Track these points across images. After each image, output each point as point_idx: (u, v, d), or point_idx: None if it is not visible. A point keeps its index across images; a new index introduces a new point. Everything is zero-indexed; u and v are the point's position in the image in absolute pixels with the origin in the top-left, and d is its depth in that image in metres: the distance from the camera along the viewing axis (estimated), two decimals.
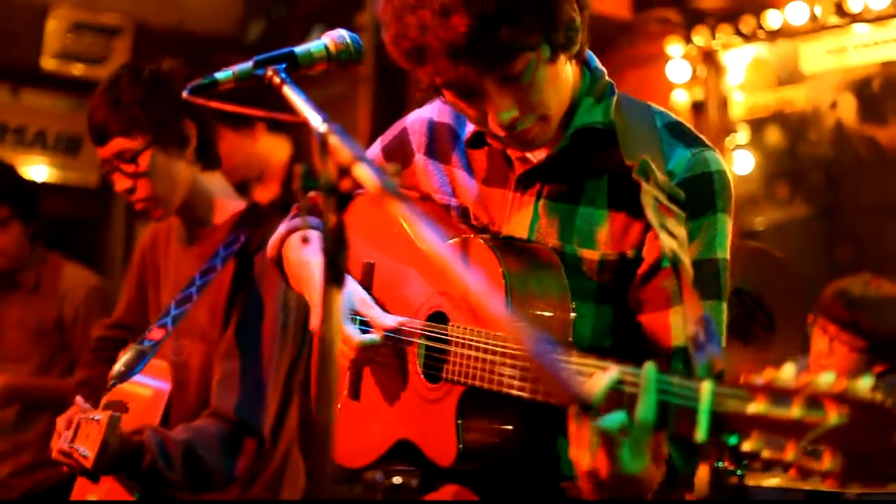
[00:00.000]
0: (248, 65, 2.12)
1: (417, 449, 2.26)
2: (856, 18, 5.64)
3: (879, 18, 5.53)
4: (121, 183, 3.22)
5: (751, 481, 3.55)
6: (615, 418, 1.75)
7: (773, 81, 6.22)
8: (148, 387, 3.27)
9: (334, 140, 1.66)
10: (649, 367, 1.74)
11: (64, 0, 7.90)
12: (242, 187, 4.82)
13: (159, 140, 3.19)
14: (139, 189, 3.22)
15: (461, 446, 2.12)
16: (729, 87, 6.39)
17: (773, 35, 5.96)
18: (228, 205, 3.39)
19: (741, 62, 6.34)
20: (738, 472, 3.42)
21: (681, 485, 2.14)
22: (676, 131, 2.24)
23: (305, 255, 2.46)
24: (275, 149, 4.80)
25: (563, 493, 2.21)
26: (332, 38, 2.19)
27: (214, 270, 3.22)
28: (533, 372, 1.96)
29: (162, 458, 2.96)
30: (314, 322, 2.34)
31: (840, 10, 5.68)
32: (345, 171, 1.61)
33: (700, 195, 2.17)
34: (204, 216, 3.36)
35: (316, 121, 1.78)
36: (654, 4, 6.45)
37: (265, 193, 4.81)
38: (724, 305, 2.17)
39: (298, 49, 2.15)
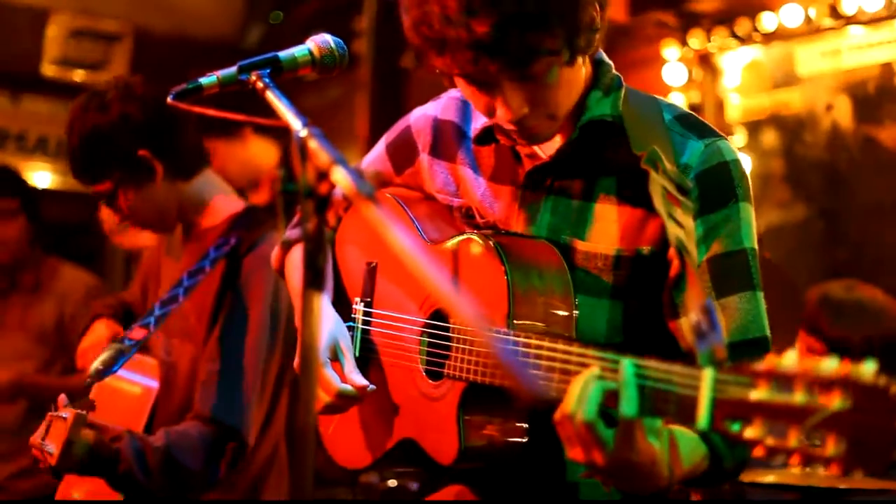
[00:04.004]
0: (233, 70, 2.13)
1: (420, 448, 2.26)
2: (850, 21, 5.64)
3: (874, 20, 5.53)
4: (107, 220, 3.39)
5: (746, 478, 3.56)
6: (591, 412, 1.78)
7: (769, 84, 6.22)
8: (136, 384, 3.28)
9: (313, 144, 1.68)
10: (626, 363, 1.76)
11: (64, 6, 7.92)
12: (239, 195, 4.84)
13: (125, 179, 3.23)
14: (130, 222, 3.34)
15: (463, 443, 2.13)
16: (725, 90, 6.39)
17: (769, 37, 5.96)
18: (225, 206, 3.40)
19: (737, 65, 6.34)
20: None
21: (729, 475, 2.14)
22: (687, 123, 2.24)
23: (296, 263, 2.48)
24: (264, 154, 4.82)
25: (567, 492, 2.22)
26: (316, 43, 2.21)
27: (203, 272, 3.23)
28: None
29: (138, 466, 2.97)
30: (297, 360, 2.35)
31: (835, 13, 5.68)
32: (324, 175, 1.63)
33: (719, 186, 2.17)
34: (198, 220, 3.38)
35: (296, 125, 1.79)
36: (650, 7, 6.45)
37: (257, 199, 4.83)
38: (761, 295, 2.16)
39: (282, 54, 2.17)
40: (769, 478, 3.61)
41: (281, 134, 4.90)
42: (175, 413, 3.25)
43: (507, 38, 1.95)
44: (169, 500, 3.14)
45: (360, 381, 2.30)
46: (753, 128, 6.29)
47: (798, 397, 1.51)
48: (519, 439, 2.15)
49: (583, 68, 2.20)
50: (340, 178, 1.59)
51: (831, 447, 1.47)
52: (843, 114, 5.98)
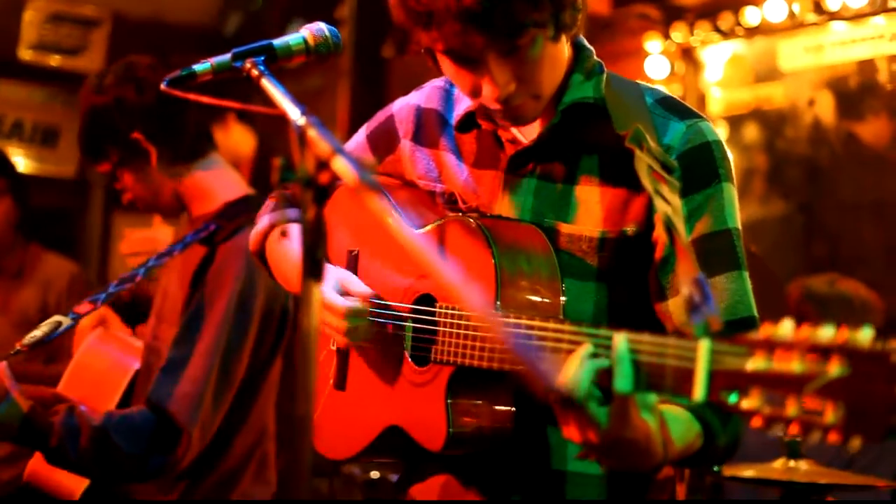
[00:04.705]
0: (226, 57, 2.12)
1: (406, 435, 2.24)
2: (834, 16, 5.66)
3: (857, 16, 5.54)
4: (123, 197, 3.38)
5: (727, 472, 3.57)
6: (585, 387, 1.77)
7: (751, 78, 6.24)
8: (116, 362, 3.27)
9: (313, 133, 1.66)
10: (620, 338, 1.76)
11: None
12: None
13: (123, 161, 3.28)
14: (138, 203, 3.36)
15: (451, 429, 2.12)
16: (707, 84, 6.41)
17: (752, 32, 5.98)
18: (224, 192, 3.37)
19: (719, 59, 6.35)
20: (715, 468, 3.45)
21: (724, 453, 2.14)
22: (667, 105, 2.24)
23: (292, 252, 2.46)
24: (243, 141, 4.80)
25: (553, 480, 2.22)
26: (310, 31, 2.19)
27: (170, 254, 3.24)
28: (511, 363, 1.96)
29: (69, 442, 2.95)
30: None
31: (818, 8, 5.69)
32: (323, 164, 1.61)
33: (701, 166, 2.17)
34: (195, 207, 3.37)
35: (294, 113, 1.78)
36: (633, 0, 6.46)
37: None
38: (746, 275, 2.16)
39: (277, 42, 2.16)
40: (749, 472, 3.63)
41: (256, 122, 4.91)
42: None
43: (494, 9, 1.96)
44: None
45: (365, 289, 2.29)
46: (735, 122, 6.30)
47: (796, 365, 1.50)
48: (507, 423, 2.15)
49: (565, 49, 2.21)
50: (342, 167, 1.58)
51: (830, 414, 1.46)
52: (826, 109, 6.00)
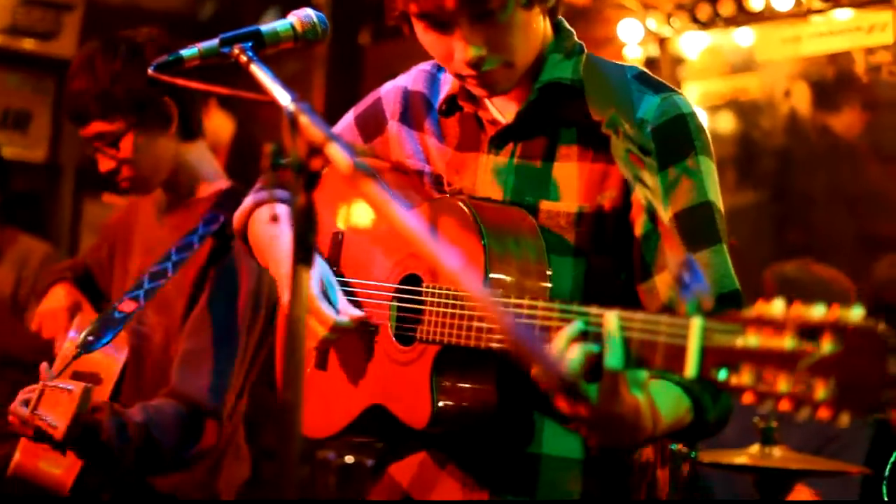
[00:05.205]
0: (214, 42, 2.12)
1: (389, 414, 2.25)
2: (811, 9, 5.67)
3: (834, 8, 5.57)
4: (104, 164, 3.21)
5: (705, 458, 3.61)
6: (576, 367, 1.79)
7: (728, 69, 6.26)
8: (103, 354, 3.24)
9: (304, 119, 1.66)
10: (611, 315, 1.77)
11: None
12: None
13: (140, 122, 3.15)
14: (123, 171, 3.20)
15: (436, 407, 2.13)
16: (683, 74, 6.42)
17: (729, 22, 5.99)
18: (213, 180, 3.36)
19: (696, 49, 6.37)
20: (692, 454, 3.48)
21: (714, 427, 2.15)
22: (643, 79, 2.26)
23: (274, 231, 2.46)
24: (223, 126, 4.79)
25: (530, 464, 2.23)
26: (298, 17, 2.19)
27: (191, 248, 3.18)
28: (513, 350, 1.97)
29: (119, 439, 2.93)
30: (285, 297, 2.34)
31: (796, 0, 5.71)
32: (315, 150, 1.61)
33: (677, 138, 2.19)
34: (186, 191, 3.33)
35: (285, 99, 1.78)
36: None
37: None
38: (726, 248, 2.18)
39: (264, 27, 2.15)
40: (724, 458, 3.66)
41: (237, 107, 4.90)
42: (149, 385, 3.22)
43: None
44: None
45: (355, 311, 2.31)
46: (712, 112, 6.33)
47: (788, 342, 1.52)
48: (491, 403, 2.17)
49: (541, 22, 2.23)
50: (336, 154, 1.58)
51: (821, 390, 1.48)
52: (802, 100, 6.03)
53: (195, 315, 3.16)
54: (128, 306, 3.13)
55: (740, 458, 3.62)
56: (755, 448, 3.64)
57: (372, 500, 2.46)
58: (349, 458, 4.65)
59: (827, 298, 4.15)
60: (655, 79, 2.29)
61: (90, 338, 3.08)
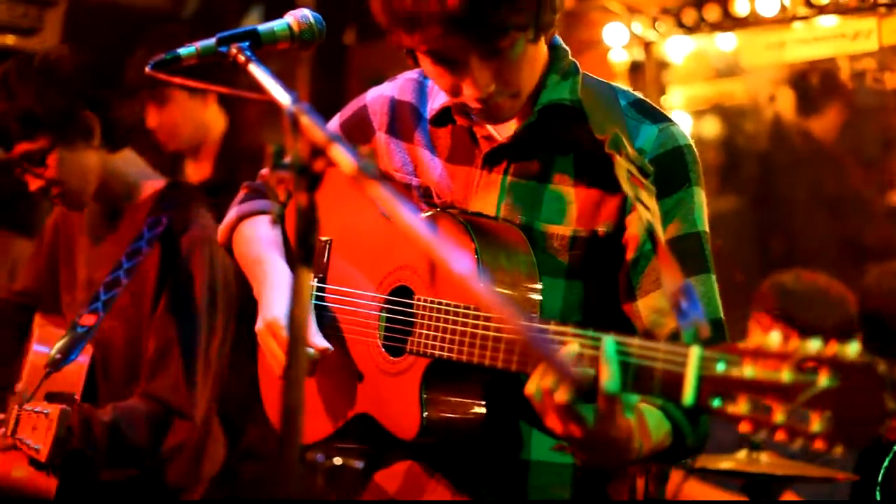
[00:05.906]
0: (211, 42, 2.11)
1: (376, 423, 2.25)
2: (796, 15, 5.69)
3: (819, 15, 5.58)
4: (33, 184, 3.21)
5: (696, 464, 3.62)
6: (570, 393, 1.80)
7: (713, 74, 6.28)
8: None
9: (305, 120, 1.65)
10: (608, 339, 1.79)
11: None
12: (176, 159, 4.78)
13: (62, 137, 3.14)
14: (52, 190, 3.21)
15: (425, 420, 2.13)
16: (668, 78, 6.43)
17: (714, 27, 6.00)
18: (146, 184, 3.37)
19: (681, 53, 6.38)
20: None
21: (691, 451, 2.19)
22: (640, 108, 2.27)
23: (258, 252, 2.46)
24: (216, 121, 4.76)
25: (518, 470, 2.24)
26: (295, 18, 2.19)
27: (140, 253, 3.20)
28: (524, 354, 1.97)
29: (86, 440, 2.97)
30: (259, 324, 2.34)
31: (781, 6, 5.73)
32: (318, 152, 1.60)
33: (673, 170, 2.20)
34: (121, 197, 3.33)
35: (285, 99, 1.77)
36: None
37: (198, 172, 4.78)
38: (714, 277, 2.21)
39: (261, 27, 2.15)
40: (711, 463, 3.67)
41: (232, 105, 4.87)
42: (120, 388, 3.26)
43: (477, 14, 1.98)
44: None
45: (322, 343, 2.31)
46: (696, 117, 6.34)
47: (785, 375, 1.55)
48: (479, 416, 2.17)
49: (543, 49, 2.23)
50: (339, 155, 1.57)
51: (816, 423, 1.51)
52: (786, 106, 6.06)
53: (157, 318, 3.20)
54: (89, 319, 3.15)
55: (727, 464, 3.63)
56: (742, 453, 3.65)
57: (362, 500, 2.46)
58: (337, 461, 4.63)
59: (826, 306, 4.19)
60: (651, 105, 2.30)
61: (58, 356, 3.09)
